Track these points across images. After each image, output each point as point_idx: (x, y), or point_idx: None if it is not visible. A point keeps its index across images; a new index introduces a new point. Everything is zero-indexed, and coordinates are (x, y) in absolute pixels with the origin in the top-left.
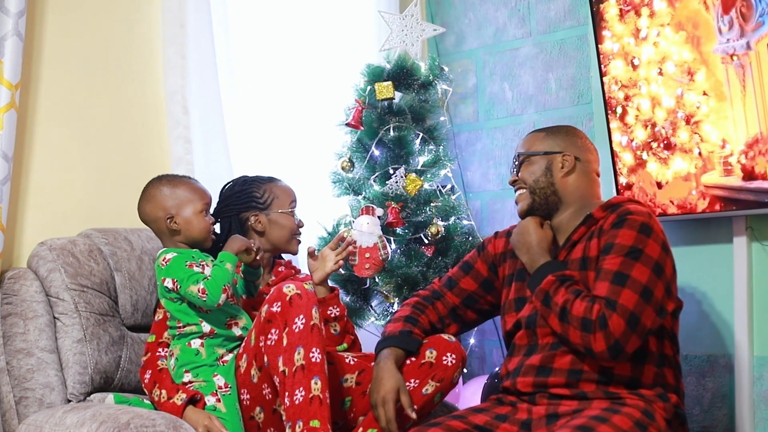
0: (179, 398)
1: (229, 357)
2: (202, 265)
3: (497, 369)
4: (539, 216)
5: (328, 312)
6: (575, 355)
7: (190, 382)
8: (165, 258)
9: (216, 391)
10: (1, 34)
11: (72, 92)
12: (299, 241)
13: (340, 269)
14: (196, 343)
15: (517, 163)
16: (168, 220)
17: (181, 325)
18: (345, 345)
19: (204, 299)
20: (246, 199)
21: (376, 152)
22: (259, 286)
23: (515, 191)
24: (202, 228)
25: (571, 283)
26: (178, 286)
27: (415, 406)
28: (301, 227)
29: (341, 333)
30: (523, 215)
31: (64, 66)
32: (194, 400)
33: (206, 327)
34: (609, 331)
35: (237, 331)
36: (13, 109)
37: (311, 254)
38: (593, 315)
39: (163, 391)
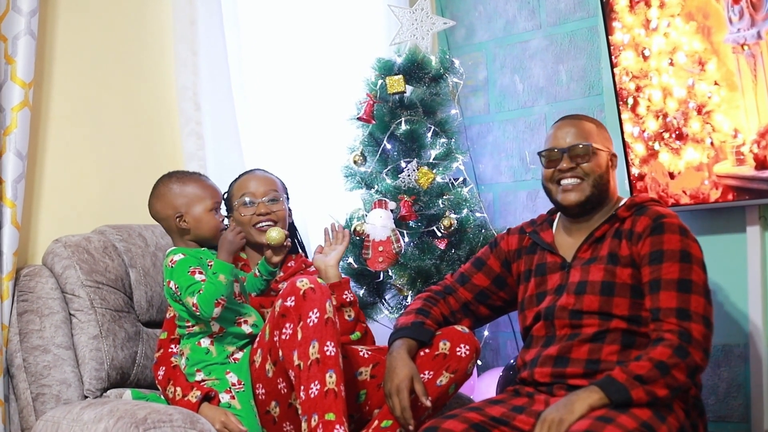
0: (194, 395)
1: (239, 355)
2: (210, 265)
3: (512, 361)
4: (588, 209)
5: (344, 296)
6: (593, 345)
7: (203, 380)
8: (172, 259)
9: (230, 388)
10: (14, 33)
11: (84, 90)
12: (263, 231)
13: (353, 263)
14: (205, 342)
15: (578, 151)
16: (177, 219)
17: (189, 324)
18: (358, 334)
19: (197, 314)
20: (226, 203)
21: (388, 146)
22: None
23: (565, 179)
24: (212, 226)
25: (628, 361)
26: (179, 293)
27: (430, 397)
28: (263, 214)
29: (354, 320)
30: (575, 207)
31: (77, 64)
32: (209, 398)
33: (215, 326)
34: (697, 339)
35: (246, 329)
36: (26, 107)
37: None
38: (676, 341)
39: (178, 389)
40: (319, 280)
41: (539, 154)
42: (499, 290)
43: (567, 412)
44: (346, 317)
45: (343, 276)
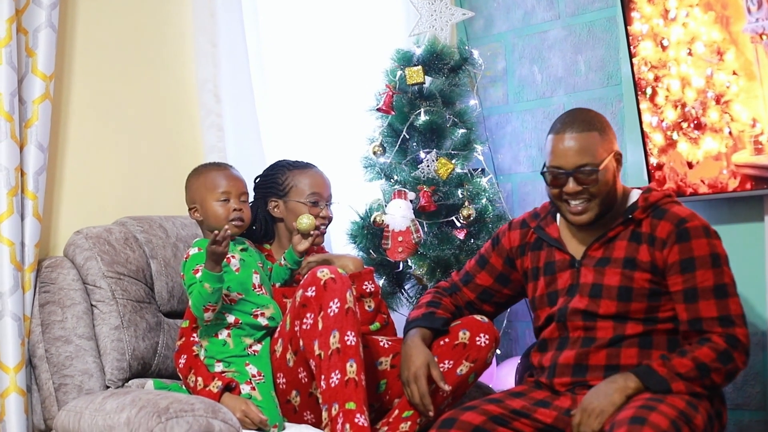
0: (215, 386)
1: (258, 347)
2: (230, 259)
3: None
4: (598, 220)
5: (363, 287)
6: (610, 350)
7: (223, 372)
8: (188, 253)
9: (250, 379)
10: (35, 25)
11: (105, 82)
12: (321, 232)
13: (373, 253)
14: (222, 333)
15: (585, 173)
16: (192, 210)
17: None
18: (377, 324)
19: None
20: (269, 184)
21: (407, 136)
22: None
23: (573, 201)
24: (218, 216)
25: (668, 355)
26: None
27: (449, 386)
28: (326, 218)
29: (375, 311)
30: (585, 225)
31: (97, 56)
32: (230, 388)
33: (230, 317)
34: (742, 344)
35: (263, 321)
36: (47, 99)
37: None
38: (722, 345)
39: (199, 378)
40: (340, 271)
41: (543, 171)
42: (503, 287)
43: (608, 403)
44: (366, 308)
45: (365, 267)
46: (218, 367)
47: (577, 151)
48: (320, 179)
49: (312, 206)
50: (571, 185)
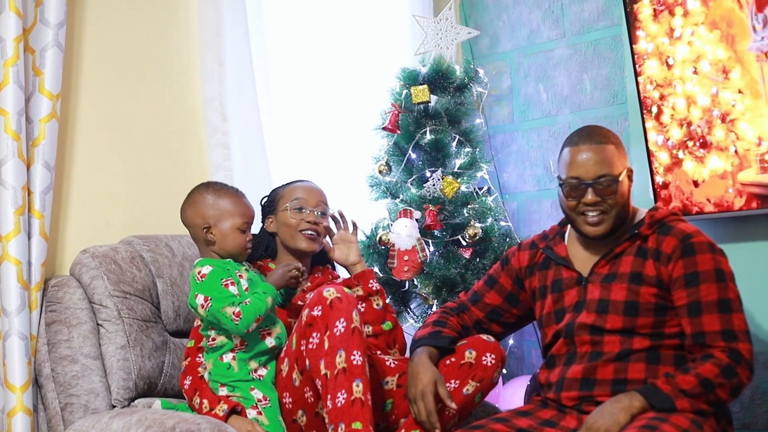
0: (221, 409)
1: (263, 371)
2: (239, 276)
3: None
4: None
5: (369, 285)
6: (618, 364)
7: (228, 396)
8: (200, 272)
9: (256, 404)
10: (41, 45)
11: (111, 101)
12: (311, 238)
13: (379, 272)
14: (227, 357)
15: (604, 184)
16: (205, 230)
17: (213, 337)
18: (389, 323)
19: (237, 323)
20: (265, 206)
21: (413, 155)
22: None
23: (590, 212)
24: (237, 244)
25: (672, 372)
26: (210, 305)
27: (455, 405)
28: (312, 222)
29: (383, 309)
30: (601, 238)
31: (104, 76)
32: (236, 411)
33: (236, 338)
34: (745, 359)
35: (270, 342)
36: (54, 119)
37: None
38: (725, 360)
39: (205, 401)
40: (346, 290)
41: (560, 183)
42: (512, 307)
43: (613, 422)
44: (375, 306)
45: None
46: (223, 391)
47: (596, 162)
48: (306, 187)
49: (297, 212)
50: (590, 196)
